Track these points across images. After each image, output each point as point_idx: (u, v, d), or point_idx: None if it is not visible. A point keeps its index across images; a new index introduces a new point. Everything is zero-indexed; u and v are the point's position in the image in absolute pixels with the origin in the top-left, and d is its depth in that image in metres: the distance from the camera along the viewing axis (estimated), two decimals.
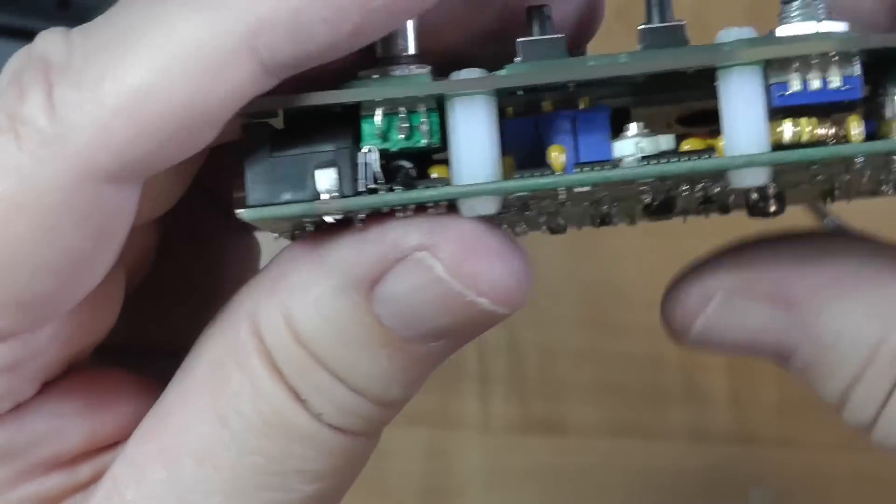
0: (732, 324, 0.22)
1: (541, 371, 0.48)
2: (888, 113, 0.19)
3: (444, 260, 0.20)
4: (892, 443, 0.22)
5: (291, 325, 0.21)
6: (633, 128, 0.20)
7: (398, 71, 0.20)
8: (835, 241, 0.22)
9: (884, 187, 0.22)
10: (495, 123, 0.20)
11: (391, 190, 0.20)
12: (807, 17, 0.19)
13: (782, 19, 0.20)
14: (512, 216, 0.23)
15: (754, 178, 0.19)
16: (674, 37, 0.20)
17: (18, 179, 0.19)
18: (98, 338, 0.23)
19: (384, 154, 0.20)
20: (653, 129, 0.20)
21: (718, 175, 0.20)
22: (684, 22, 0.20)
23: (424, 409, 0.46)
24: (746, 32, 0.19)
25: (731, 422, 0.48)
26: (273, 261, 0.22)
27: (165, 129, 0.19)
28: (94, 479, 0.23)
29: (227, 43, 0.19)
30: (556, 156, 0.20)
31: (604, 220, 0.24)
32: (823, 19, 0.19)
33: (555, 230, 0.25)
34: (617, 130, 0.20)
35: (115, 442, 0.23)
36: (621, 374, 0.49)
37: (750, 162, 0.19)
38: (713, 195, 0.22)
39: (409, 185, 0.20)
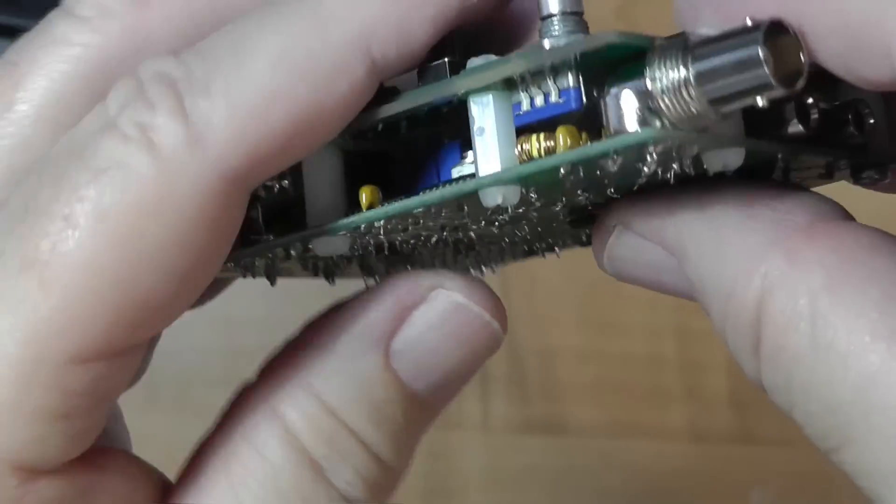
0: (633, 260, 0.22)
1: (541, 371, 0.48)
2: (605, 119, 0.19)
3: (461, 292, 0.22)
4: (778, 398, 0.20)
5: (318, 397, 0.22)
6: (469, 155, 0.21)
7: None
8: (720, 184, 0.21)
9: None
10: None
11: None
12: (547, 35, 0.20)
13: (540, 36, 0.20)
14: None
15: (502, 197, 0.20)
16: (436, 74, 0.21)
17: (157, 187, 0.20)
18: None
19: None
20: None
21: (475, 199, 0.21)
22: (446, 60, 0.21)
23: None
24: (481, 59, 0.20)
25: (731, 422, 0.48)
26: (274, 356, 0.23)
27: (292, 130, 0.20)
28: None
29: (344, 46, 0.20)
30: (366, 196, 0.21)
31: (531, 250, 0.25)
32: (554, 36, 0.20)
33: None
34: None
35: None
36: (621, 374, 0.49)
37: (497, 180, 0.20)
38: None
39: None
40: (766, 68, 0.18)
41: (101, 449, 0.22)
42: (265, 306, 0.47)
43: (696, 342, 0.50)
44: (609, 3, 0.53)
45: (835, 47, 0.19)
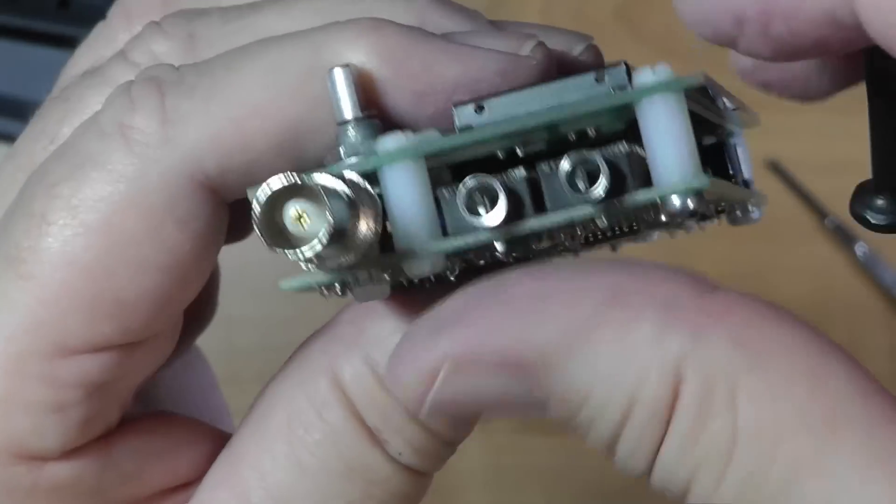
0: (467, 394, 0.19)
1: None
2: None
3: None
4: (676, 487, 0.18)
5: (377, 373, 0.22)
6: None
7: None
8: (575, 273, 0.19)
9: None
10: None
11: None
12: (343, 142, 0.21)
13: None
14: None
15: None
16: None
17: (127, 181, 0.21)
18: (157, 366, 0.23)
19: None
20: None
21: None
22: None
23: None
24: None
25: None
26: (337, 320, 0.23)
27: (267, 146, 0.21)
28: None
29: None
30: None
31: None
32: (350, 143, 0.21)
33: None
34: None
35: (186, 483, 0.24)
36: None
37: None
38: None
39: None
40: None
41: (144, 417, 0.24)
42: (265, 306, 0.47)
43: None
44: (608, 4, 0.53)
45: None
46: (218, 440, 0.24)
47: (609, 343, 0.18)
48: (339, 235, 0.19)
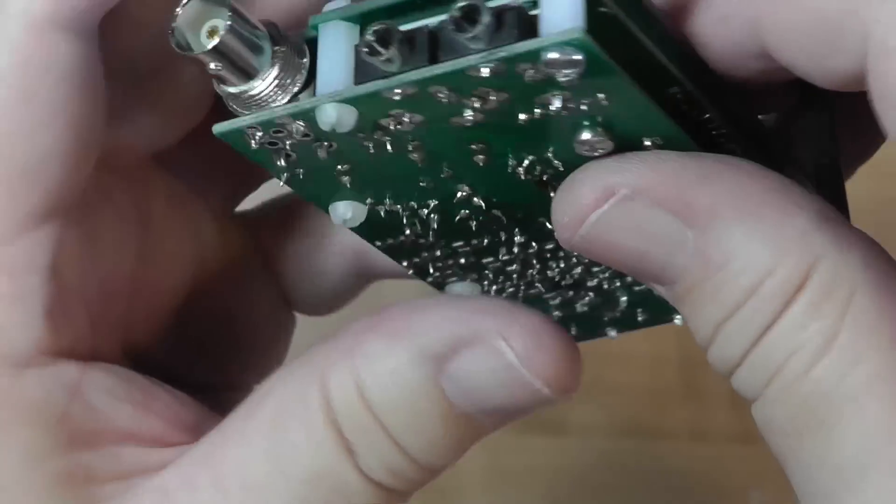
0: (628, 226, 0.21)
1: None
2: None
3: (518, 350, 0.21)
4: (752, 387, 0.21)
5: (361, 389, 0.22)
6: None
7: None
8: (748, 165, 0.21)
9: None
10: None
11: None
12: None
13: None
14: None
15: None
16: None
17: (27, 14, 0.22)
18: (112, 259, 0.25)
19: None
20: None
21: None
22: None
23: None
24: None
25: (731, 422, 0.48)
26: (348, 327, 0.23)
27: None
28: (134, 472, 0.23)
29: None
30: None
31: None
32: None
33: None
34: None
35: (155, 442, 0.24)
36: (621, 373, 0.49)
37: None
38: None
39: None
40: None
41: (124, 366, 0.24)
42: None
43: (695, 342, 0.49)
44: None
45: (804, 43, 0.20)
46: (200, 414, 0.25)
47: (769, 220, 0.20)
48: (239, 39, 0.21)
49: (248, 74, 0.21)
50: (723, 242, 0.20)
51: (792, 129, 0.25)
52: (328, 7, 0.21)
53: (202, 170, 0.28)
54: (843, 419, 0.19)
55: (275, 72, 0.21)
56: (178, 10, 0.20)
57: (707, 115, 0.22)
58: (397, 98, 0.20)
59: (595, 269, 0.26)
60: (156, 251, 0.26)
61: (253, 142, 0.21)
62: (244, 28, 0.21)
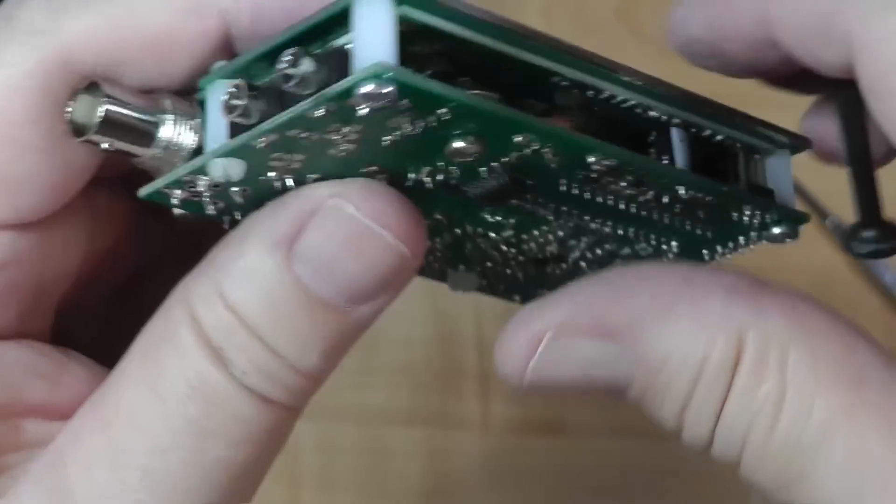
0: (563, 362, 0.23)
1: None
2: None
3: (357, 203, 0.22)
4: (729, 457, 0.22)
5: (222, 295, 0.22)
6: None
7: None
8: (654, 267, 0.23)
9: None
10: None
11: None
12: None
13: None
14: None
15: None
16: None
17: (8, 66, 0.23)
18: (60, 287, 0.25)
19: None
20: None
21: None
22: None
23: (424, 409, 0.46)
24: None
25: None
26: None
27: (139, 49, 0.23)
28: (37, 444, 0.24)
29: None
30: None
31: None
32: None
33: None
34: None
35: (65, 419, 0.24)
36: None
37: None
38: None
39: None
40: None
41: (42, 341, 0.25)
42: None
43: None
44: (608, 4, 0.53)
45: (803, 37, 0.23)
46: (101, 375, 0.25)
47: (686, 314, 0.22)
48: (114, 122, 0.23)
49: (143, 143, 0.23)
50: (654, 348, 0.22)
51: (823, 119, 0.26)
52: (213, 67, 0.23)
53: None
54: (819, 464, 0.21)
55: (167, 135, 0.23)
56: (68, 105, 0.23)
57: (590, 93, 0.23)
58: (264, 145, 0.21)
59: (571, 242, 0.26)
60: (95, 246, 0.26)
61: (175, 199, 0.23)
62: (123, 107, 0.23)
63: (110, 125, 0.22)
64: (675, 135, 0.23)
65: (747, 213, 0.24)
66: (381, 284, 0.23)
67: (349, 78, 0.20)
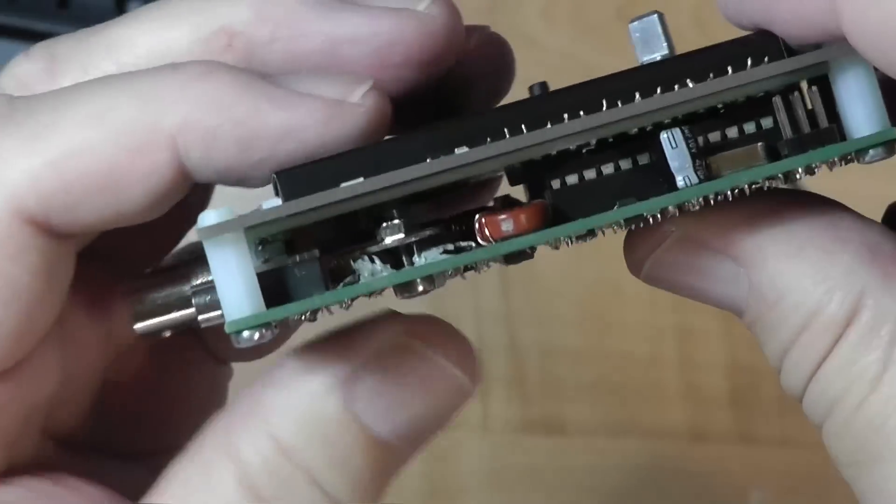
0: (683, 266, 0.22)
1: (541, 371, 0.48)
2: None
3: (424, 338, 0.22)
4: (816, 418, 0.22)
5: (277, 440, 0.22)
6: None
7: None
8: (795, 202, 0.22)
9: None
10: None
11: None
12: None
13: None
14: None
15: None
16: None
17: None
18: (37, 400, 0.24)
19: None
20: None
21: None
22: None
23: None
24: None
25: (731, 422, 0.48)
26: (239, 396, 0.23)
27: (87, 190, 0.21)
28: None
29: (151, 128, 0.21)
30: None
31: None
32: None
33: None
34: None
35: None
36: (621, 373, 0.49)
37: None
38: None
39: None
40: None
41: (53, 474, 0.24)
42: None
43: (695, 342, 0.50)
44: (609, 4, 0.53)
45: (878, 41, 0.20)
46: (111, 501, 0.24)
47: (814, 260, 0.21)
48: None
49: (180, 307, 0.25)
50: (774, 281, 0.21)
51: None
52: (206, 222, 0.21)
53: (104, 255, 0.27)
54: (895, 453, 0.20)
55: (194, 299, 0.24)
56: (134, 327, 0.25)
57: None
58: (298, 317, 0.21)
59: None
60: (72, 345, 0.25)
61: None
62: (149, 318, 0.25)
63: (152, 334, 0.25)
64: (667, 142, 0.21)
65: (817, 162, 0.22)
66: (444, 418, 0.22)
67: (225, 327, 0.21)
